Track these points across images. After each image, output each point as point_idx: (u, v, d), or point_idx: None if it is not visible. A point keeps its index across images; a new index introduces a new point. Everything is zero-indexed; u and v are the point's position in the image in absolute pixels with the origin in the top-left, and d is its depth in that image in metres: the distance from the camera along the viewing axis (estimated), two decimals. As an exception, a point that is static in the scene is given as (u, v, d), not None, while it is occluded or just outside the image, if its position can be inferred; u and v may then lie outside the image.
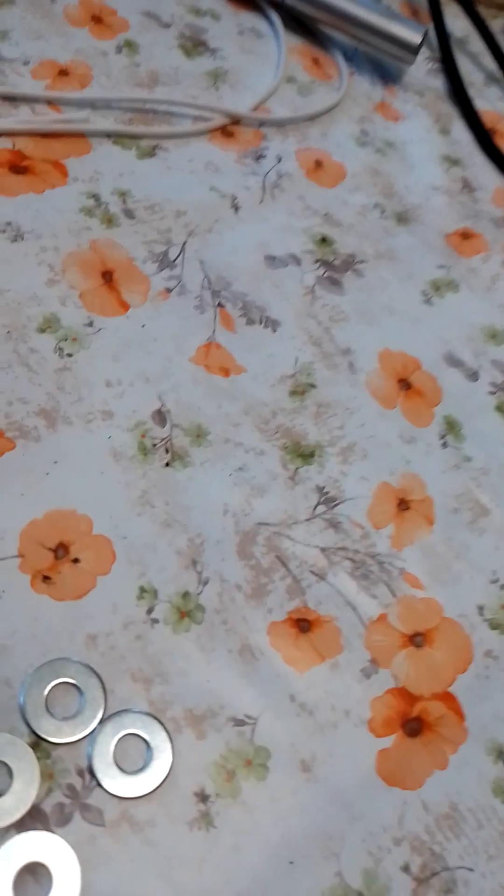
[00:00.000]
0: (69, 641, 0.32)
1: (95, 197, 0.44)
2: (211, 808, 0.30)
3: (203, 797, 0.30)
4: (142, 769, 0.30)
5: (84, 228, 0.43)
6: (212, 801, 0.30)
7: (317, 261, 0.47)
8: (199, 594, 0.34)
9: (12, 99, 0.46)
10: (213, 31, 0.57)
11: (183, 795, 0.30)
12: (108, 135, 0.47)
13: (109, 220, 0.44)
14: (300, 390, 0.42)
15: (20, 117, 0.45)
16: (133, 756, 0.30)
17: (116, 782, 0.29)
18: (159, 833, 0.29)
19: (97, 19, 0.53)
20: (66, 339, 0.39)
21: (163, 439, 0.38)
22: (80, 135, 0.47)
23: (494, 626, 0.37)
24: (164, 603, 0.33)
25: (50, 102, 0.47)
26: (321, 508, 0.38)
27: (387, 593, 0.37)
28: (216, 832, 0.30)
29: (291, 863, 0.30)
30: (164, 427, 0.38)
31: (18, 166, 0.44)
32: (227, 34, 0.57)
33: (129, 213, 0.44)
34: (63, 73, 0.49)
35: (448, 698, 0.35)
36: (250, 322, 0.43)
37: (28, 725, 0.29)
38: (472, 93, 0.63)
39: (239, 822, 0.30)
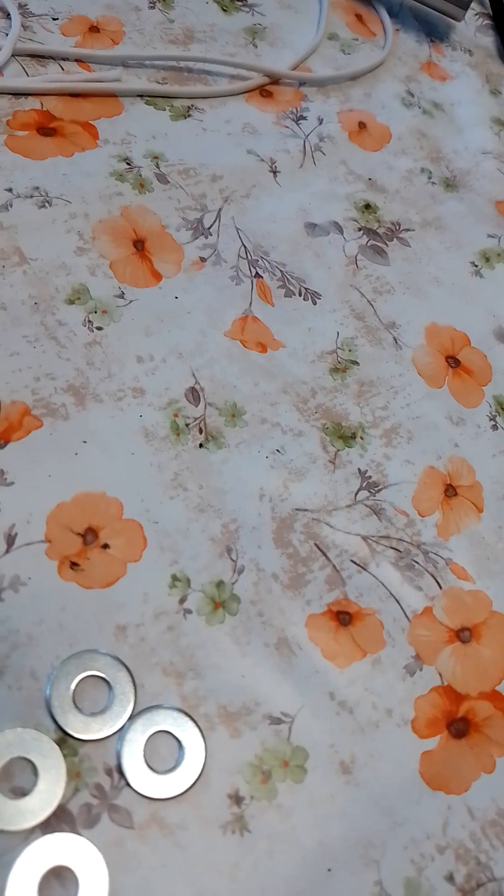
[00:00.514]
0: (98, 632, 0.30)
1: (127, 160, 0.42)
2: (245, 811, 0.28)
3: (237, 799, 0.29)
4: (173, 769, 0.28)
5: (115, 194, 0.40)
6: (246, 804, 0.29)
7: (360, 229, 0.45)
8: (233, 584, 0.32)
9: (41, 57, 0.44)
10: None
11: (216, 797, 0.28)
12: (141, 94, 0.45)
13: (142, 185, 0.41)
14: (342, 367, 0.39)
15: (49, 76, 0.43)
16: (164, 755, 0.29)
17: (146, 782, 0.28)
18: (191, 837, 0.28)
19: (130, -28, 0.50)
20: (95, 312, 0.37)
21: (196, 419, 0.36)
22: (112, 94, 0.44)
23: (546, 621, 0.35)
24: (198, 592, 0.32)
25: (80, 60, 0.45)
26: (363, 494, 0.36)
27: (432, 585, 0.35)
28: (250, 836, 0.28)
29: (329, 870, 0.28)
30: (197, 406, 0.36)
31: (46, 128, 0.41)
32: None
33: (163, 178, 0.42)
34: (94, 29, 0.46)
35: (496, 697, 0.33)
36: (289, 294, 0.41)
37: (54, 721, 0.28)
38: (526, 50, 0.59)
39: (274, 827, 0.28)
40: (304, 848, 0.28)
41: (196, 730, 0.29)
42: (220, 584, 0.32)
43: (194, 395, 0.36)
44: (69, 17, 0.46)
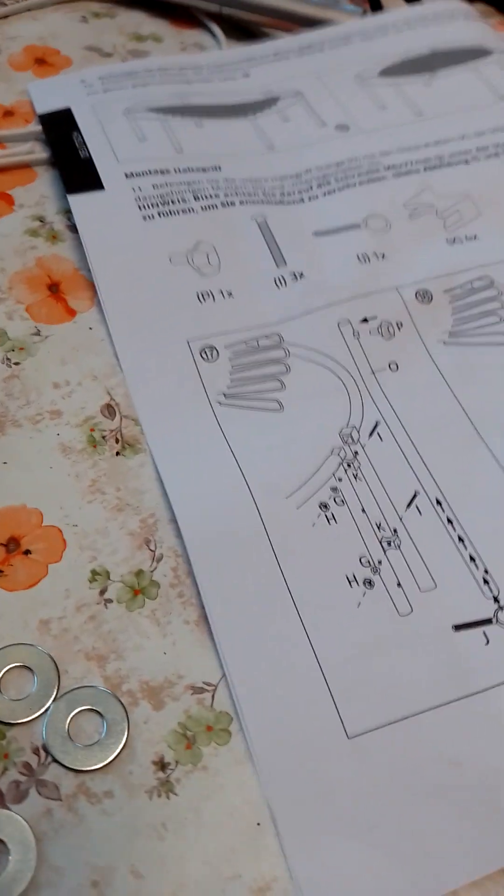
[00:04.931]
0: (22, 628, 0.32)
1: (41, 219, 0.46)
2: (171, 775, 0.30)
3: (162, 765, 0.30)
4: (97, 742, 0.30)
5: (29, 248, 0.45)
6: (171, 769, 0.30)
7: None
8: (152, 571, 0.34)
9: (-41, 144, 0.49)
10: (157, 53, 0.59)
11: (141, 765, 0.30)
12: (52, 162, 0.50)
13: (54, 237, 0.45)
14: (252, 368, 0.42)
15: (-34, 159, 0.48)
16: (88, 731, 0.30)
17: (72, 756, 0.30)
18: (117, 803, 0.29)
19: (41, 61, 0.56)
20: (13, 350, 0.40)
21: (112, 430, 0.38)
22: (26, 165, 0.49)
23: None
24: (117, 583, 0.34)
25: (-4, 142, 0.50)
26: (277, 476, 0.38)
27: (349, 550, 0.36)
28: (177, 799, 0.29)
29: (258, 824, 0.29)
30: (113, 419, 0.39)
31: (-34, 204, 0.46)
32: (170, 54, 0.59)
33: (73, 228, 0.46)
34: (8, 113, 0.52)
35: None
36: (199, 311, 0.44)
37: (-19, 710, 0.30)
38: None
39: (201, 788, 0.30)
40: (231, 805, 0.30)
41: (119, 705, 0.31)
42: (139, 572, 0.34)
43: (110, 410, 0.39)
44: (-15, 108, 0.52)
